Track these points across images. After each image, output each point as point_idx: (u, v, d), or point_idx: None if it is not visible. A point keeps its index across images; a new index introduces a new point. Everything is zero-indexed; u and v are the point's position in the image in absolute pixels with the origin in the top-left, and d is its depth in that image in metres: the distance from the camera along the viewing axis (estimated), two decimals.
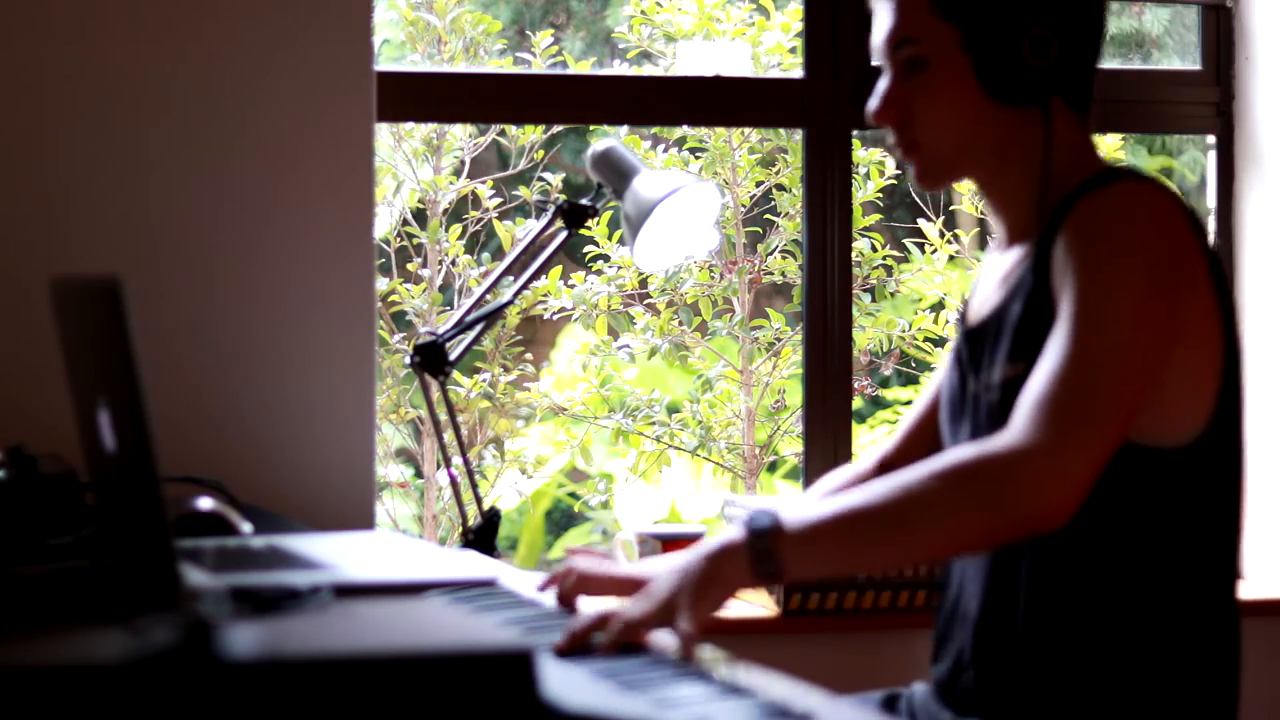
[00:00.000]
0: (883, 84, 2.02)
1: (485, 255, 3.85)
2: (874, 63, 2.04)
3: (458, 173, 3.76)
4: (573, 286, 3.75)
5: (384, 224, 3.84)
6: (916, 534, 1.78)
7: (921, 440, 2.21)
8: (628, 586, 1.97)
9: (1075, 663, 1.91)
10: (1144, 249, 1.86)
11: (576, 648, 1.63)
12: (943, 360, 2.20)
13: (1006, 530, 1.77)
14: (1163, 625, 1.91)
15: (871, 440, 5.02)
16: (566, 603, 1.91)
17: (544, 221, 2.91)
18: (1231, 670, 1.97)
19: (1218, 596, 1.96)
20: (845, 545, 1.79)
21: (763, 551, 1.76)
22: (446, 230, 3.71)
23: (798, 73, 3.36)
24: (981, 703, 1.97)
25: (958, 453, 1.78)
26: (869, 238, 3.79)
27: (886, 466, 2.22)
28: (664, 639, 1.68)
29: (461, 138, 3.75)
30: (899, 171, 3.77)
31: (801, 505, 1.81)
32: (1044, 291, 1.90)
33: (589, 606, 1.89)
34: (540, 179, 3.72)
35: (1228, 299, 1.93)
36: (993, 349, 1.97)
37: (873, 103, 2.02)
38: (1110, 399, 1.80)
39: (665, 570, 1.76)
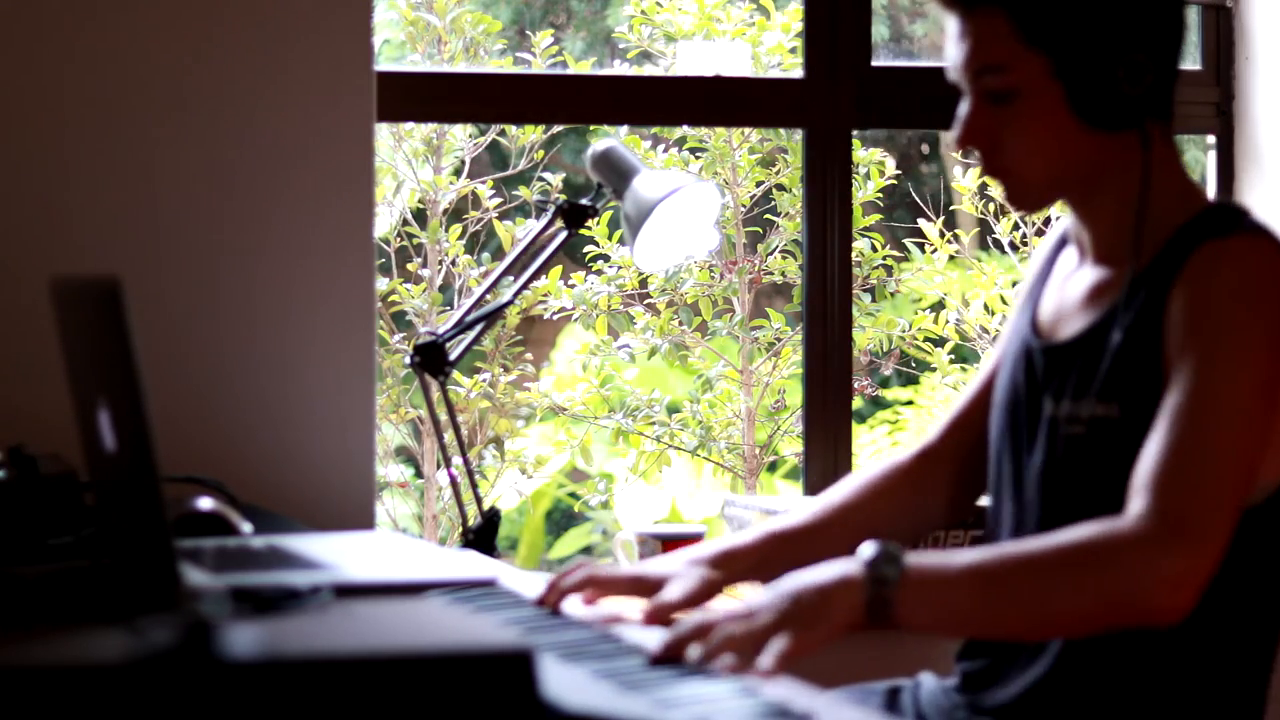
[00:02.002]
0: (965, 109, 1.94)
1: (485, 255, 3.85)
2: (951, 79, 1.97)
3: (458, 173, 3.76)
4: (573, 286, 3.75)
5: (384, 224, 3.84)
6: (1035, 614, 1.77)
7: (967, 433, 2.15)
8: (637, 586, 1.95)
9: (1121, 693, 1.90)
10: (1269, 321, 1.83)
11: (673, 656, 1.59)
12: (991, 354, 2.15)
13: (1126, 622, 1.77)
14: (1206, 669, 1.90)
15: (871, 440, 5.02)
16: (552, 603, 1.88)
17: (544, 221, 2.91)
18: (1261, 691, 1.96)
19: (1262, 654, 1.95)
20: (964, 609, 1.76)
21: (881, 597, 1.72)
22: (446, 230, 3.71)
23: (798, 73, 3.36)
24: (1014, 710, 1.95)
25: (1085, 534, 1.75)
26: (869, 238, 3.79)
27: (929, 458, 2.18)
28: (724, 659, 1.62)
29: (461, 138, 3.75)
30: (899, 171, 3.77)
31: (928, 556, 1.76)
32: (1152, 331, 1.86)
33: (577, 609, 1.88)
34: (540, 179, 3.71)
35: None
36: (1080, 377, 1.92)
37: (957, 129, 1.95)
38: (1231, 486, 1.78)
39: (778, 592, 1.71)
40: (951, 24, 1.94)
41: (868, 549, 1.74)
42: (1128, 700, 1.90)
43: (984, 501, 2.14)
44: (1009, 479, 2.01)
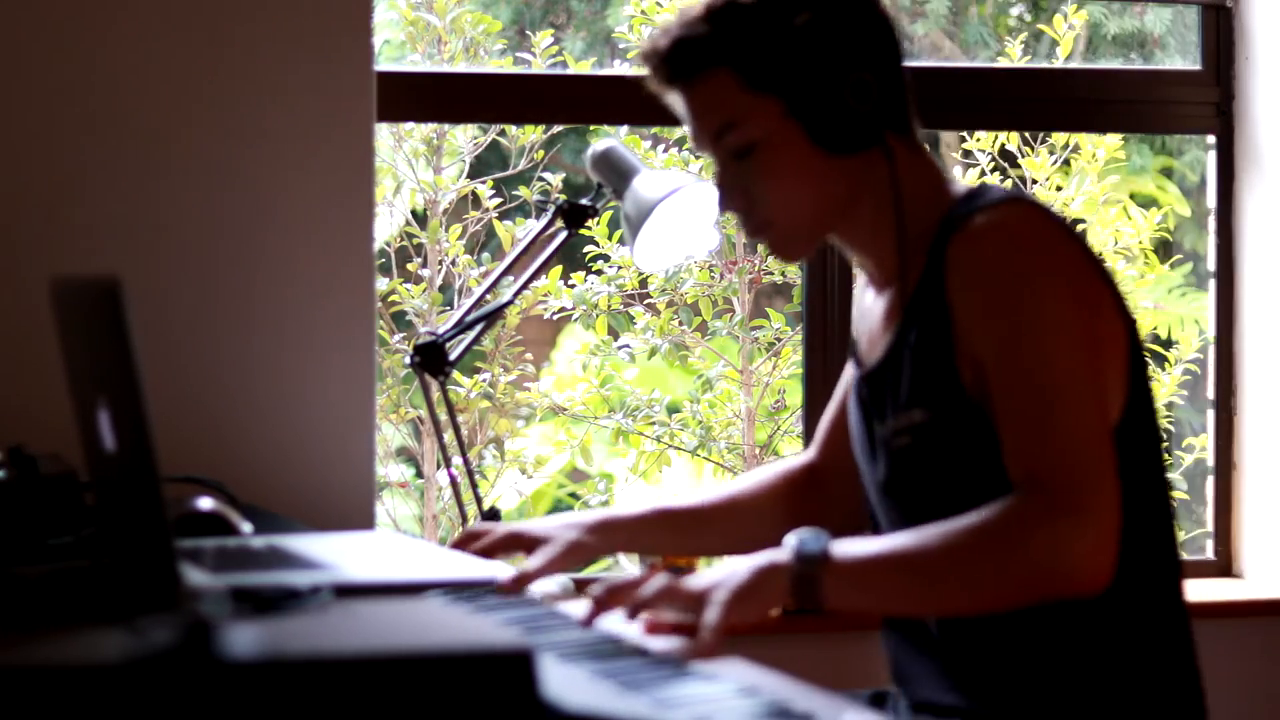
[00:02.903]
0: (717, 176, 1.99)
1: (485, 255, 3.85)
2: (696, 153, 2.02)
3: (458, 172, 3.76)
4: (573, 286, 3.75)
5: (388, 227, 3.85)
6: (960, 592, 1.80)
7: (839, 445, 2.19)
8: (513, 543, 2.08)
9: (1031, 660, 1.91)
10: (1050, 276, 1.86)
11: (613, 605, 1.68)
12: (843, 376, 2.20)
13: (1048, 596, 1.79)
14: (1110, 611, 1.90)
15: None
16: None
17: (544, 221, 2.91)
18: (1188, 655, 1.96)
19: (1163, 587, 1.95)
20: (888, 589, 1.81)
21: (807, 578, 1.77)
22: (446, 230, 3.71)
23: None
24: (950, 705, 1.97)
25: (1000, 512, 1.78)
26: None
27: (813, 471, 2.24)
28: (670, 641, 1.68)
29: (462, 139, 3.75)
30: None
31: (853, 540, 1.82)
32: (941, 334, 1.90)
33: (577, 609, 1.89)
34: (540, 179, 3.72)
35: (1114, 285, 1.94)
36: (894, 394, 1.96)
37: (719, 200, 2.00)
38: (1101, 444, 1.81)
39: (706, 574, 1.78)
40: (679, 103, 1.99)
41: (793, 535, 1.79)
42: (1045, 668, 1.91)
43: None
44: (872, 494, 2.07)
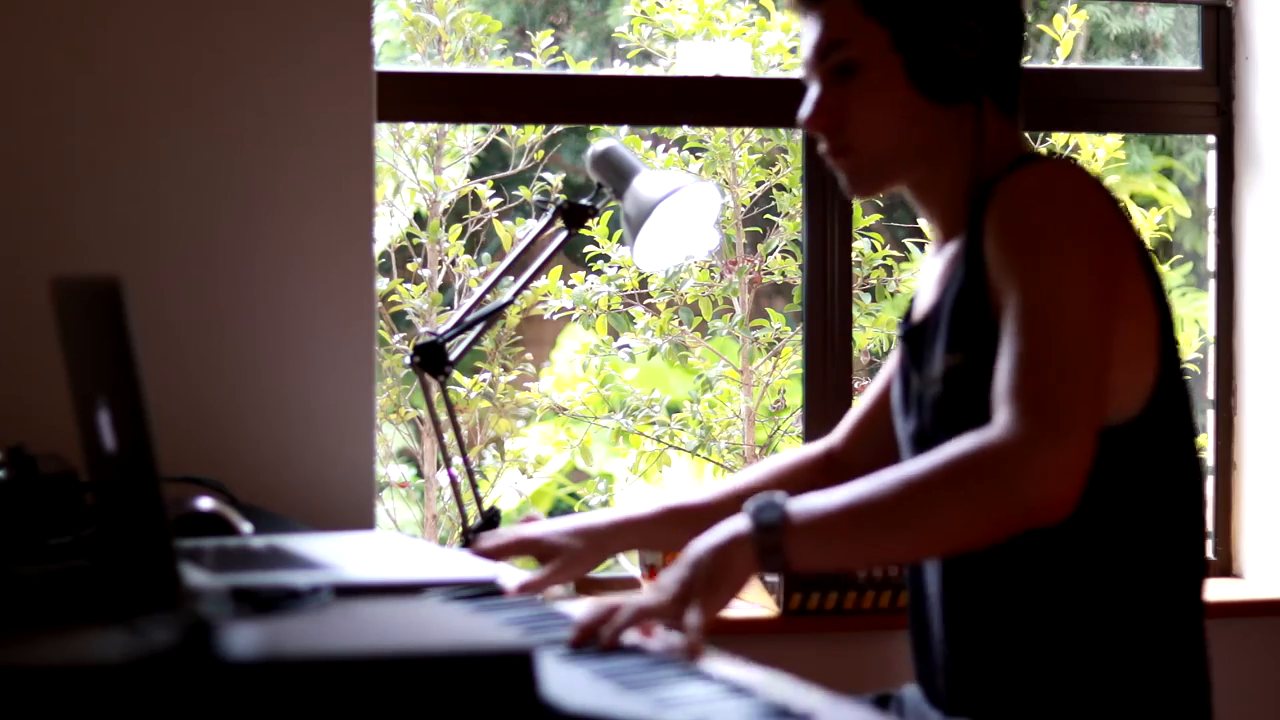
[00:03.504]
0: (814, 91, 2.02)
1: (485, 255, 3.85)
2: (802, 77, 2.04)
3: (469, 175, 3.76)
4: (573, 286, 3.75)
5: (390, 230, 3.85)
6: (922, 531, 1.78)
7: (867, 434, 2.22)
8: (522, 548, 2.09)
9: (1041, 657, 1.91)
10: (1075, 226, 1.87)
11: (588, 639, 1.64)
12: (889, 360, 2.21)
13: (1012, 525, 1.76)
14: (1127, 608, 1.90)
15: None
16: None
17: (544, 221, 2.91)
18: (1199, 656, 1.96)
19: (1183, 578, 1.95)
20: (852, 541, 1.79)
21: (770, 546, 1.76)
22: (446, 230, 3.72)
23: (798, 73, 3.35)
24: (957, 703, 1.97)
25: (958, 447, 1.77)
26: (869, 238, 3.79)
27: (833, 457, 2.24)
28: (667, 637, 1.68)
29: (462, 139, 3.75)
30: None
31: (809, 497, 1.80)
32: (977, 280, 1.91)
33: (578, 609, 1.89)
34: (540, 179, 3.72)
35: (1154, 271, 1.93)
36: (932, 344, 1.97)
37: (805, 110, 2.02)
38: (1089, 378, 1.80)
39: (678, 563, 1.77)
40: (804, 25, 2.03)
41: (750, 502, 1.79)
42: (1062, 664, 1.90)
43: None
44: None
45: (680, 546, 1.88)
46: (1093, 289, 1.84)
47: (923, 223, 2.10)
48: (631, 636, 1.68)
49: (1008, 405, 1.78)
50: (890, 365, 2.20)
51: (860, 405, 2.26)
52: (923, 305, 2.04)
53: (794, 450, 2.28)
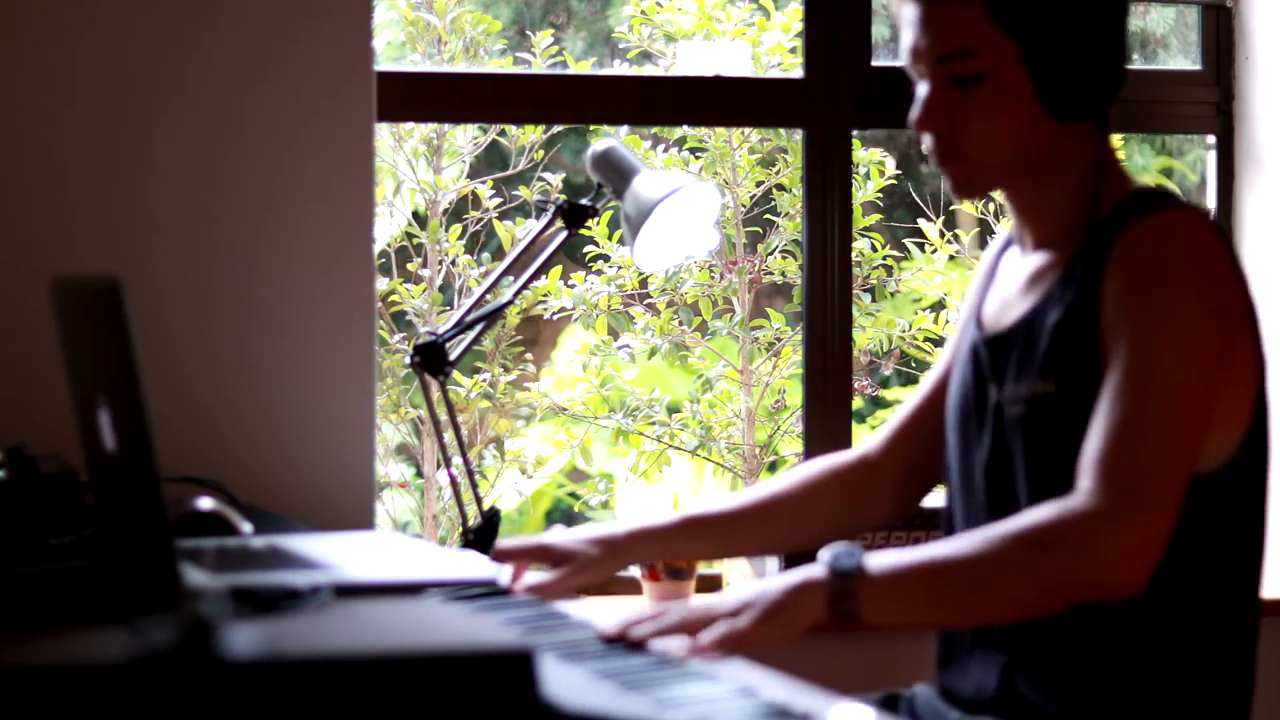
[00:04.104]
0: (926, 91, 1.96)
1: (485, 255, 3.85)
2: (905, 65, 1.98)
3: (468, 176, 3.76)
4: (573, 286, 3.75)
5: (389, 229, 3.85)
6: (996, 599, 1.80)
7: (910, 442, 2.20)
8: (542, 555, 2.07)
9: (1099, 674, 1.91)
10: (1201, 290, 1.86)
11: (625, 636, 1.64)
12: (940, 359, 2.20)
13: (1082, 599, 1.79)
14: (1185, 640, 1.91)
15: None
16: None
17: (544, 221, 2.91)
18: (1246, 685, 1.96)
19: (1241, 616, 1.95)
20: (925, 600, 1.80)
21: (843, 593, 1.76)
22: (446, 230, 3.71)
23: (798, 73, 3.36)
24: (1003, 705, 1.96)
25: (1037, 516, 1.78)
26: (869, 238, 3.79)
27: (868, 465, 2.22)
28: (673, 642, 1.67)
29: (462, 139, 3.75)
30: (899, 171, 3.77)
31: (887, 552, 1.80)
32: (1087, 311, 1.89)
33: (578, 609, 1.89)
34: (540, 179, 3.72)
35: (1256, 323, 1.93)
36: (1020, 360, 1.95)
37: (917, 111, 1.96)
38: (1180, 457, 1.80)
39: (742, 590, 1.77)
40: (910, 10, 1.96)
41: (828, 550, 1.78)
42: (1105, 685, 1.90)
43: (930, 502, 2.20)
44: (959, 474, 2.05)
45: (700, 557, 1.88)
46: (1204, 361, 1.84)
47: (1014, 223, 2.06)
48: (674, 644, 1.67)
49: (1094, 476, 1.78)
50: (938, 371, 2.17)
51: (904, 410, 2.22)
52: (1008, 313, 2.01)
53: (824, 459, 2.25)
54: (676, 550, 2.20)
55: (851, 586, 1.75)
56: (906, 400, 2.25)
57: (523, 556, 2.07)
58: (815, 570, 1.77)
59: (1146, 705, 1.90)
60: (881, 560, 1.78)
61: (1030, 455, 1.92)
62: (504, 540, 2.11)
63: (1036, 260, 2.00)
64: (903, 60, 1.99)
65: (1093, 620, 1.89)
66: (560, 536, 2.12)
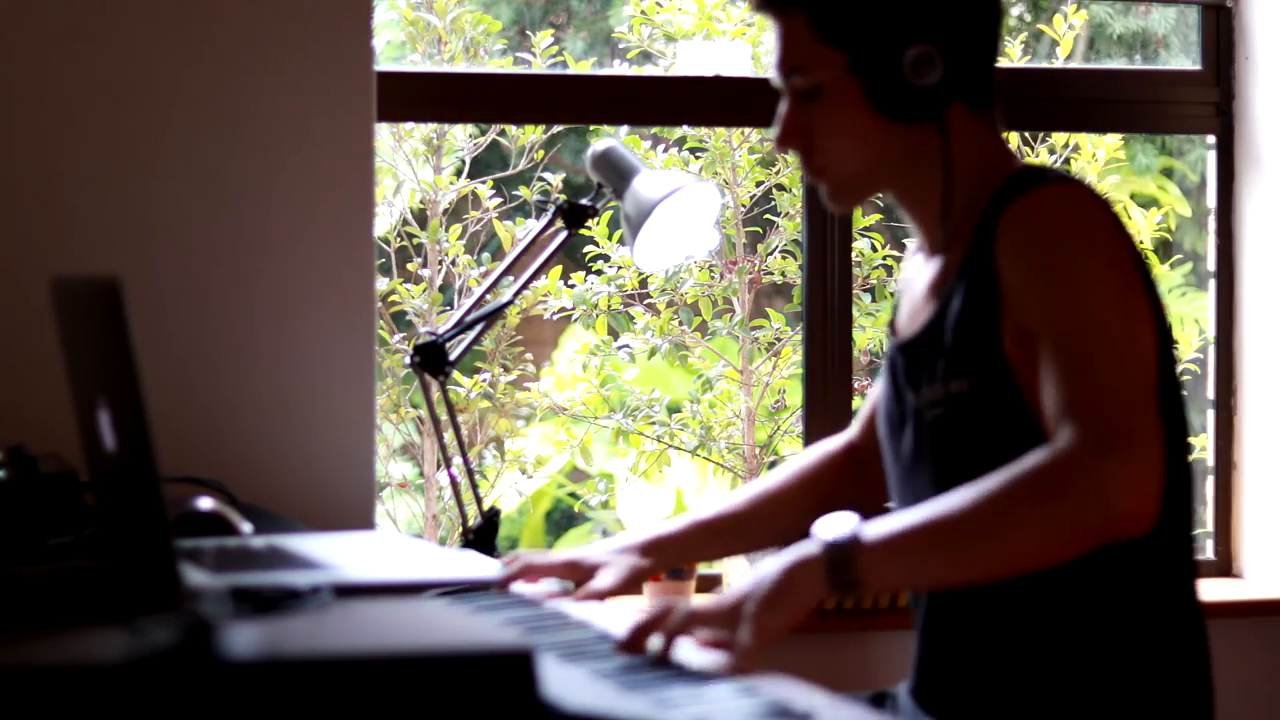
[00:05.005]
0: (782, 110, 2.00)
1: (485, 255, 3.85)
2: (773, 83, 2.02)
3: (458, 173, 3.76)
4: (573, 286, 3.75)
5: (384, 224, 3.84)
6: (1003, 547, 1.75)
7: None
8: (571, 570, 2.04)
9: (1036, 664, 1.91)
10: (1100, 249, 1.87)
11: (640, 642, 1.63)
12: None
13: (1096, 539, 1.75)
14: (1123, 611, 1.90)
15: None
16: (502, 586, 1.98)
17: (544, 221, 2.91)
18: (1202, 662, 1.95)
19: (1178, 587, 1.95)
20: (929, 556, 1.76)
21: (840, 562, 1.73)
22: (446, 230, 3.71)
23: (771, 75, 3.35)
24: (953, 706, 1.96)
25: (1033, 461, 1.75)
26: (869, 238, 3.79)
27: (856, 449, 2.23)
28: (692, 651, 1.65)
29: (461, 138, 3.75)
30: None
31: (882, 518, 1.79)
32: (985, 302, 1.89)
33: (579, 608, 1.89)
34: (540, 179, 3.72)
35: (1150, 279, 1.93)
36: (931, 364, 1.96)
37: (775, 130, 2.00)
38: (1145, 392, 1.80)
39: (743, 582, 1.76)
40: (772, 28, 2.00)
41: (819, 524, 1.77)
42: (1058, 671, 1.90)
43: None
44: (896, 481, 2.05)
45: (715, 558, 1.86)
46: (1129, 308, 1.84)
47: (911, 230, 2.08)
48: (686, 645, 1.66)
49: (1071, 422, 1.76)
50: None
51: (871, 399, 2.24)
52: (916, 319, 2.02)
53: (817, 446, 2.27)
54: (690, 555, 2.19)
55: (848, 554, 1.73)
56: (869, 392, 2.26)
57: (552, 573, 2.05)
58: (808, 545, 1.75)
59: (1095, 688, 1.90)
60: (877, 525, 1.76)
61: (954, 455, 1.92)
62: (530, 554, 2.07)
63: (935, 264, 2.01)
64: (771, 76, 2.02)
65: (1030, 610, 1.89)
66: (583, 550, 2.10)
